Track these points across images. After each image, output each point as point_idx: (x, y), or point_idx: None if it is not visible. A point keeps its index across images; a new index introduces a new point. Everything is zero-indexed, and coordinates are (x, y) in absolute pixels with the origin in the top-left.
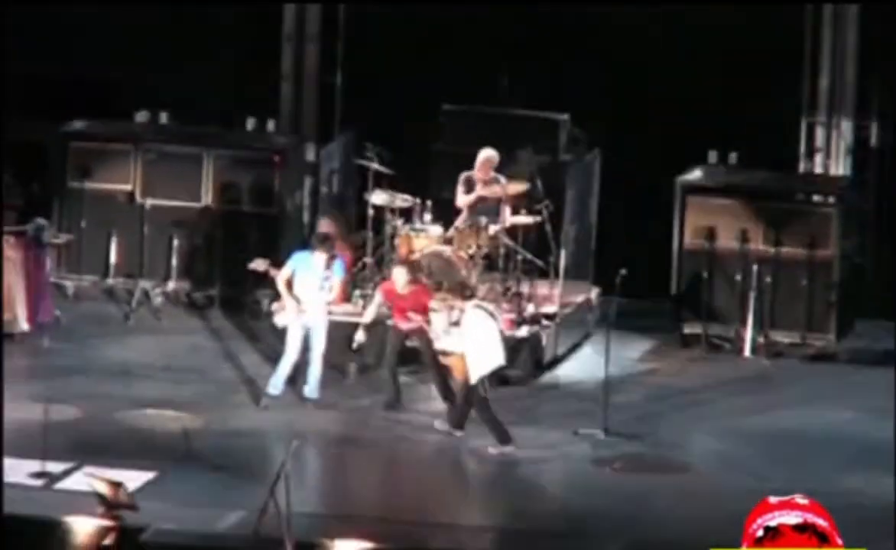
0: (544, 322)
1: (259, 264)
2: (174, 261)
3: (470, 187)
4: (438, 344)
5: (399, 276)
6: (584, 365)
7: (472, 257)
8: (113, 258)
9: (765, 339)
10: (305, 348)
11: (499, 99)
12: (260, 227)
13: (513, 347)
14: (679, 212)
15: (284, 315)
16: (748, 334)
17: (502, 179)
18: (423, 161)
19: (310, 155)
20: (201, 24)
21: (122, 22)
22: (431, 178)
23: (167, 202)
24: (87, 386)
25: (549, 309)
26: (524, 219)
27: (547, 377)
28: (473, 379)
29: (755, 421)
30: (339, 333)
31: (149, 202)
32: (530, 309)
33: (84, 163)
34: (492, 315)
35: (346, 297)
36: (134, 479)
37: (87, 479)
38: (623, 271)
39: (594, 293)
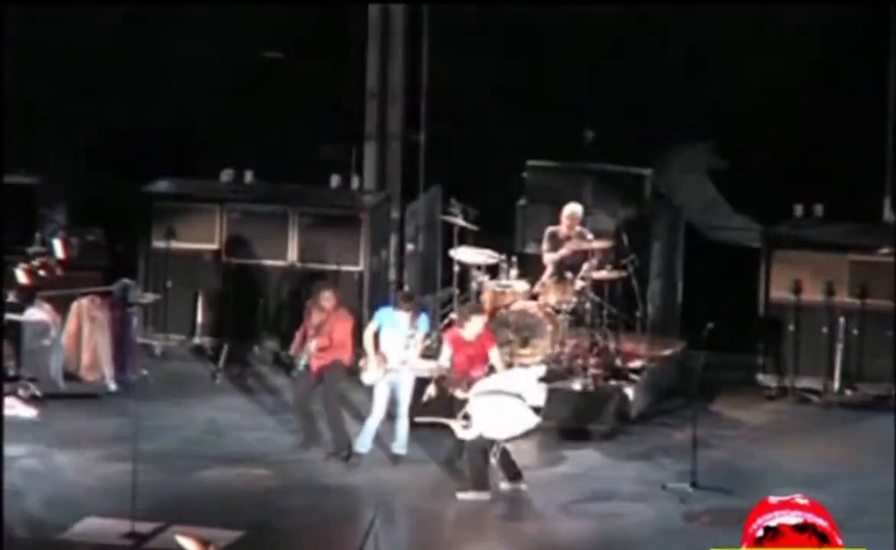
0: (631, 376)
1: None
2: (259, 320)
3: (555, 242)
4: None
5: (476, 325)
6: (671, 419)
7: (558, 312)
8: (199, 317)
9: (852, 391)
10: (392, 403)
11: (584, 153)
12: (345, 285)
13: (599, 401)
14: (765, 266)
15: (371, 372)
16: (835, 386)
17: (588, 234)
18: (508, 217)
19: (395, 212)
20: (285, 83)
21: (206, 81)
22: (516, 234)
23: (252, 260)
24: (174, 445)
25: (636, 363)
26: (610, 273)
27: (635, 430)
28: (474, 435)
29: (842, 474)
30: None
31: (234, 261)
32: (617, 363)
33: (169, 222)
34: (499, 391)
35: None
36: (222, 538)
37: (177, 538)
38: (710, 325)
39: (680, 347)
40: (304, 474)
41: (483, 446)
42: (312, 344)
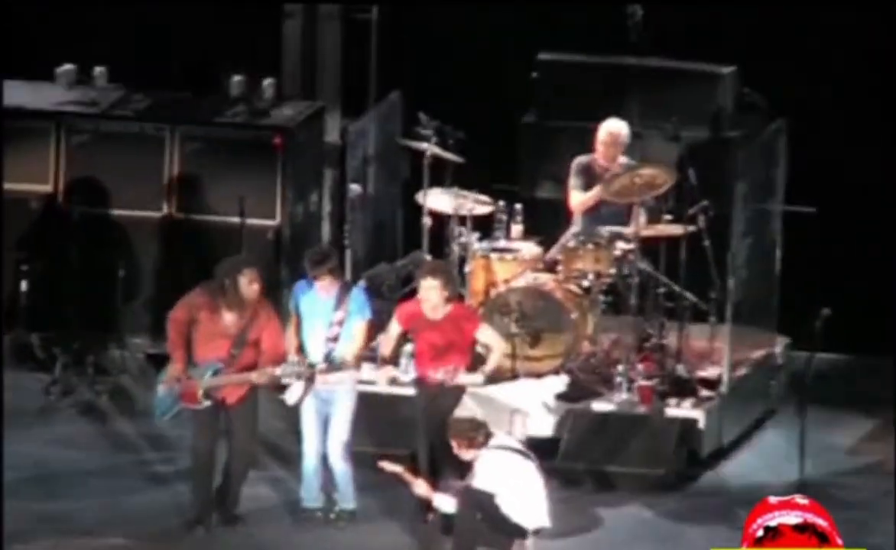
0: (703, 392)
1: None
2: (119, 303)
3: (588, 179)
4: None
5: (433, 295)
6: (766, 460)
7: (587, 291)
8: (23, 298)
9: None
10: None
11: (628, 42)
12: (253, 248)
13: (651, 432)
14: None
15: (293, 388)
16: None
17: (635, 166)
18: (509, 141)
19: (331, 133)
20: None
21: None
22: (521, 168)
23: (107, 210)
24: None
25: (711, 371)
26: (670, 228)
27: (708, 477)
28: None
29: None
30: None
31: (78, 210)
32: (680, 371)
33: None
34: (524, 454)
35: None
36: None
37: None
38: (826, 311)
39: (780, 345)
40: (192, 547)
41: (480, 502)
42: (208, 374)
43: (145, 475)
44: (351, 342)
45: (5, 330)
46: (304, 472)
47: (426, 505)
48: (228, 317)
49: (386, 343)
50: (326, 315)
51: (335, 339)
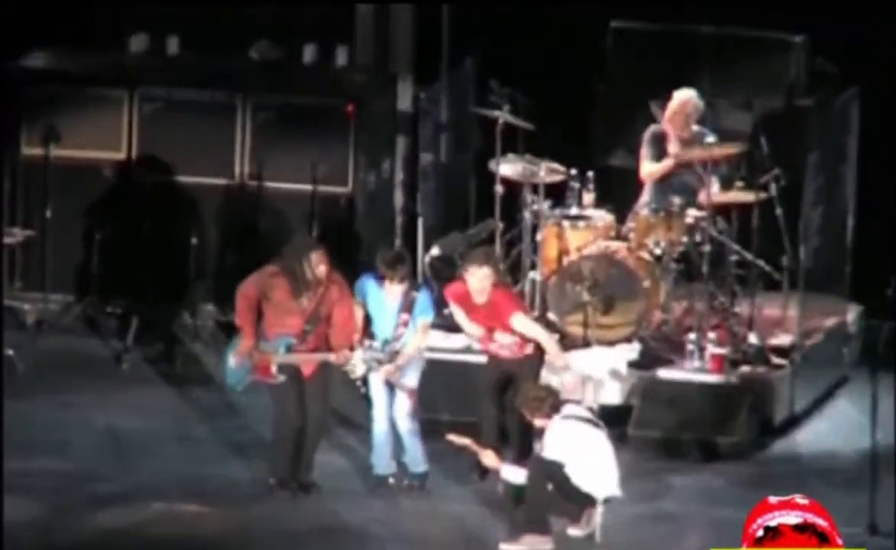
0: (775, 360)
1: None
2: (191, 272)
3: (660, 149)
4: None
5: (479, 281)
6: (837, 428)
7: (659, 259)
8: (96, 267)
9: None
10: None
11: (700, 11)
12: (325, 216)
13: (724, 400)
14: None
15: (359, 366)
16: None
17: (710, 136)
18: (581, 109)
19: (404, 102)
20: None
21: None
22: (594, 136)
23: (181, 178)
24: (56, 466)
25: (783, 339)
26: (742, 196)
27: (780, 445)
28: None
29: None
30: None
31: (150, 178)
32: (752, 339)
33: (49, 117)
34: (594, 423)
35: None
36: None
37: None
38: None
39: (852, 313)
40: (268, 514)
41: (551, 472)
42: (281, 349)
43: (220, 442)
44: (414, 338)
45: (80, 297)
46: (375, 440)
47: (482, 473)
48: (300, 295)
49: (463, 324)
50: (392, 314)
51: (398, 339)
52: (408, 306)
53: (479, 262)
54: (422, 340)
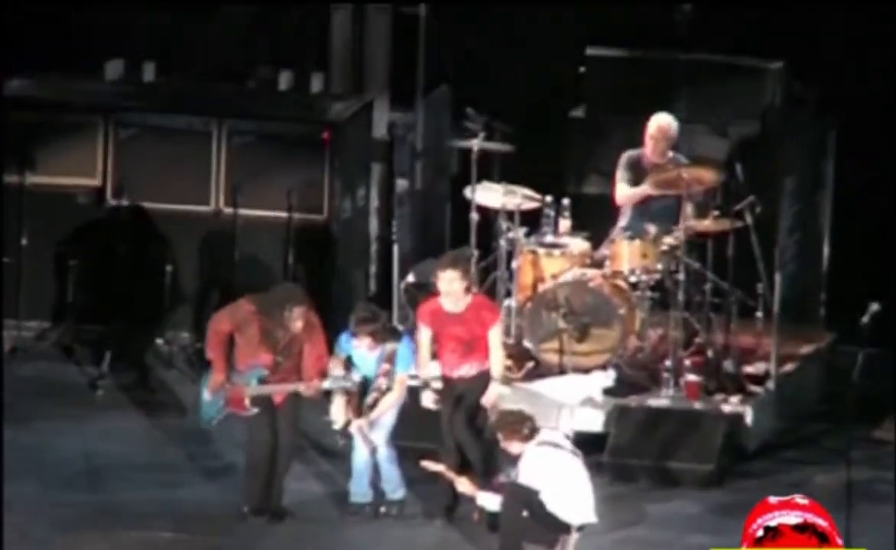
0: (750, 387)
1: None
2: (166, 299)
3: (636, 173)
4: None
5: (455, 286)
6: (812, 455)
7: (635, 286)
8: (71, 294)
9: None
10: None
11: (676, 37)
12: (300, 243)
13: (699, 427)
14: None
15: (336, 405)
16: None
17: (683, 161)
18: (557, 135)
19: (379, 129)
20: None
21: None
22: (569, 163)
23: (157, 204)
24: (30, 492)
25: (758, 367)
26: (718, 224)
27: (755, 472)
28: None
29: None
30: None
31: (126, 205)
32: (728, 367)
33: (26, 145)
34: (570, 450)
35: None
36: None
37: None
38: (874, 306)
39: (827, 341)
40: (242, 540)
41: (526, 499)
42: (253, 381)
43: (193, 469)
44: (390, 395)
45: (55, 323)
46: (355, 467)
47: (453, 500)
48: (274, 334)
49: (422, 358)
50: (373, 365)
51: (378, 389)
52: (388, 357)
53: (445, 265)
54: (398, 396)
